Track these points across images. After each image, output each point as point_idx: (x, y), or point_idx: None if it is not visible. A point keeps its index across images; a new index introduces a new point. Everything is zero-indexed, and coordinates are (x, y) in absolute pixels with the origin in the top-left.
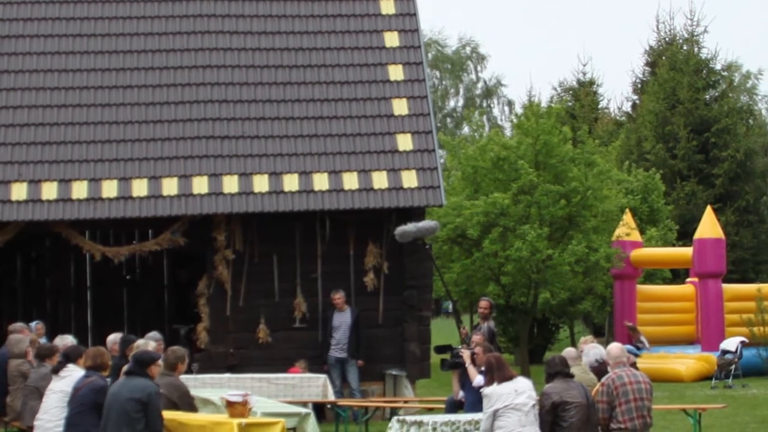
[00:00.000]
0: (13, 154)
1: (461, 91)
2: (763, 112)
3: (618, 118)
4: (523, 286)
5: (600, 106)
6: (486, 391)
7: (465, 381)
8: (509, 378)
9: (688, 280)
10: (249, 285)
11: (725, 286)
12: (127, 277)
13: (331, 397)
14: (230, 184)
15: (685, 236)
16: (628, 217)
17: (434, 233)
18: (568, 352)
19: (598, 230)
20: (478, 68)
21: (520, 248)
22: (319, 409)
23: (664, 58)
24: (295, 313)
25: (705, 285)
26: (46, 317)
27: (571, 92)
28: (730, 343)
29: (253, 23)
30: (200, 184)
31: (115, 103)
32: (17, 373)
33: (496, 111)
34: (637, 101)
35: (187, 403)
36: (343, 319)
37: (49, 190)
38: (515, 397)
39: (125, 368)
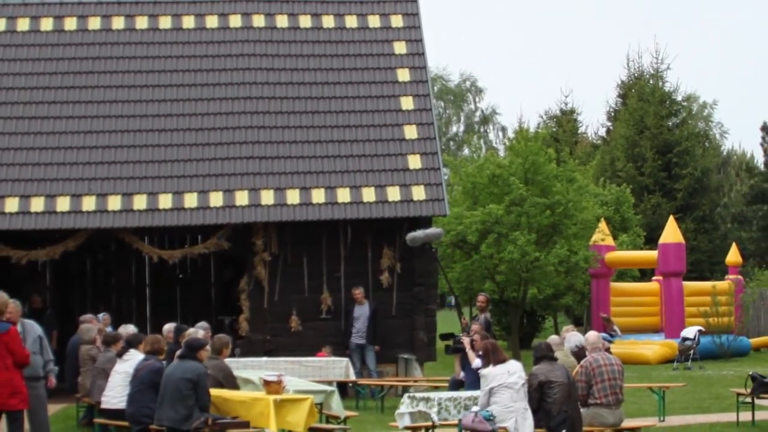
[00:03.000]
0: (83, 172)
1: (462, 118)
2: (717, 136)
3: (594, 141)
4: (515, 283)
5: (579, 131)
6: (483, 372)
7: (465, 363)
8: (503, 361)
9: (654, 278)
10: (283, 282)
11: (685, 283)
12: (180, 276)
13: (352, 377)
14: (267, 197)
15: (651, 241)
16: (603, 225)
17: (439, 239)
18: (553, 339)
19: (577, 236)
20: (477, 99)
21: (512, 251)
22: (342, 387)
23: (633, 90)
24: (321, 306)
25: (668, 283)
26: (112, 310)
27: (555, 119)
28: (690, 332)
29: (286, 61)
30: (242, 197)
31: (169, 128)
32: (87, 357)
33: (491, 135)
34: (611, 127)
35: (231, 382)
36: (362, 311)
37: (114, 203)
38: (508, 377)
39: (178, 353)
